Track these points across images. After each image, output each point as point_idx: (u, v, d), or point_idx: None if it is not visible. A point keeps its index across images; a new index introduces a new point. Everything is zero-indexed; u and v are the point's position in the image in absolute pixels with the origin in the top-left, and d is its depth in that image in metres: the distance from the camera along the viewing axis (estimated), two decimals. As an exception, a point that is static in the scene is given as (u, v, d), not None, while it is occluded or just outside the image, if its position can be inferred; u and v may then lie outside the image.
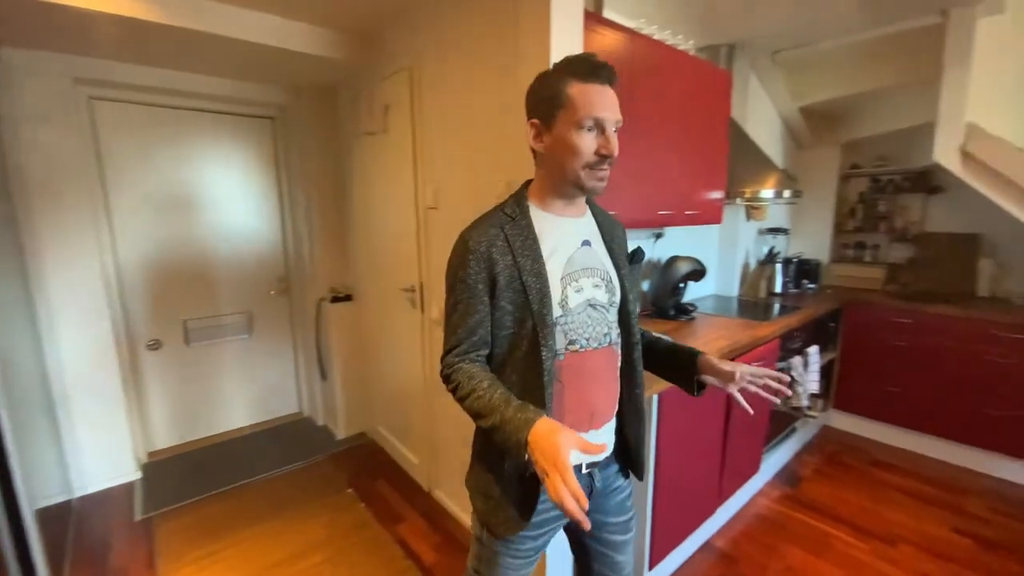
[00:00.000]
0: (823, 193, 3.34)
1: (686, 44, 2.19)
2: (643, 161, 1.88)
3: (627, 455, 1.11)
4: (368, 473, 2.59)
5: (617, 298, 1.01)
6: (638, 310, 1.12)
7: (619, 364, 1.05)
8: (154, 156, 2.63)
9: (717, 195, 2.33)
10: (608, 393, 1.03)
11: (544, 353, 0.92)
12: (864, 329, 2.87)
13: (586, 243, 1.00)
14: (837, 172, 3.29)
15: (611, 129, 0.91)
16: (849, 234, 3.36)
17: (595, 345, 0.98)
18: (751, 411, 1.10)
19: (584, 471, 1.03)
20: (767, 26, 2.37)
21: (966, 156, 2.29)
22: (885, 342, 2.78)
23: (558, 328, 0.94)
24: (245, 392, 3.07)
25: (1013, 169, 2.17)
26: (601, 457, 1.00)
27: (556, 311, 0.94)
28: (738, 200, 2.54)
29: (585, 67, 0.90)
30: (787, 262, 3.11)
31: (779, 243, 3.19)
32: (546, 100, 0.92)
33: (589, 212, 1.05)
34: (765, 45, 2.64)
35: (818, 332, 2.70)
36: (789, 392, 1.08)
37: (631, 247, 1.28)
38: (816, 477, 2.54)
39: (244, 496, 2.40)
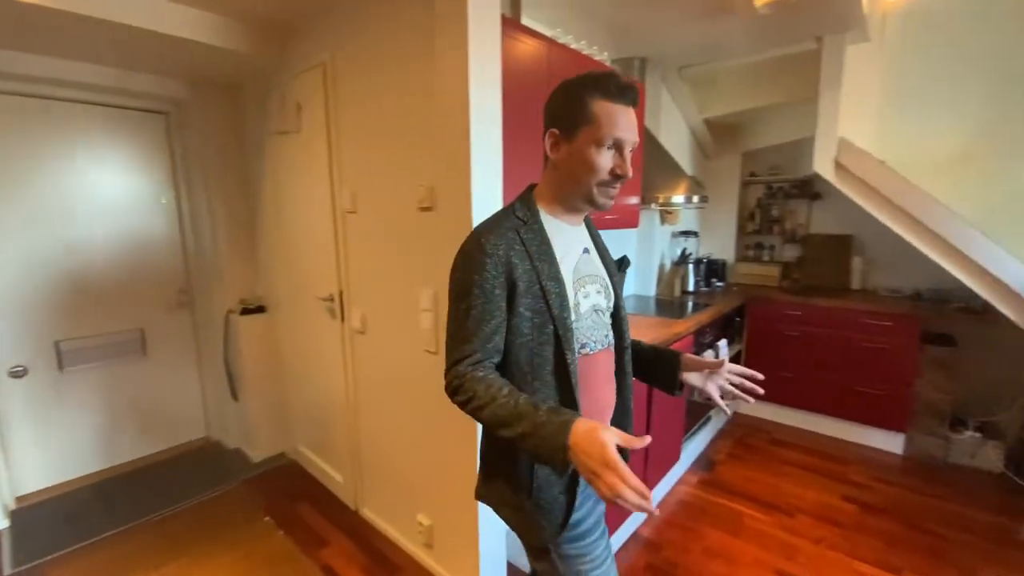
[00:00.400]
0: (727, 198, 3.64)
1: (601, 55, 2.28)
2: (564, 167, 1.93)
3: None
4: (288, 496, 2.41)
5: (612, 303, 1.05)
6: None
7: (615, 366, 1.07)
8: (19, 154, 2.27)
9: (634, 200, 2.45)
10: (610, 392, 1.06)
11: (568, 357, 0.92)
12: (764, 322, 3.16)
13: (586, 250, 1.02)
14: (739, 179, 3.60)
15: (628, 150, 0.92)
16: (750, 236, 3.69)
17: (599, 348, 1.01)
18: (729, 412, 1.16)
19: None
20: (674, 44, 2.54)
21: (839, 167, 2.60)
22: (781, 333, 3.09)
23: (573, 333, 0.95)
24: (138, 420, 2.73)
25: (875, 178, 2.50)
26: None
27: (569, 314, 0.94)
28: (653, 205, 2.69)
29: (613, 87, 0.90)
30: (698, 262, 3.35)
31: (691, 245, 3.43)
32: (570, 113, 0.92)
33: (583, 221, 1.06)
34: (673, 61, 2.83)
35: (726, 326, 2.94)
36: (762, 391, 1.11)
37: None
38: (728, 460, 2.75)
39: (140, 538, 2.13)
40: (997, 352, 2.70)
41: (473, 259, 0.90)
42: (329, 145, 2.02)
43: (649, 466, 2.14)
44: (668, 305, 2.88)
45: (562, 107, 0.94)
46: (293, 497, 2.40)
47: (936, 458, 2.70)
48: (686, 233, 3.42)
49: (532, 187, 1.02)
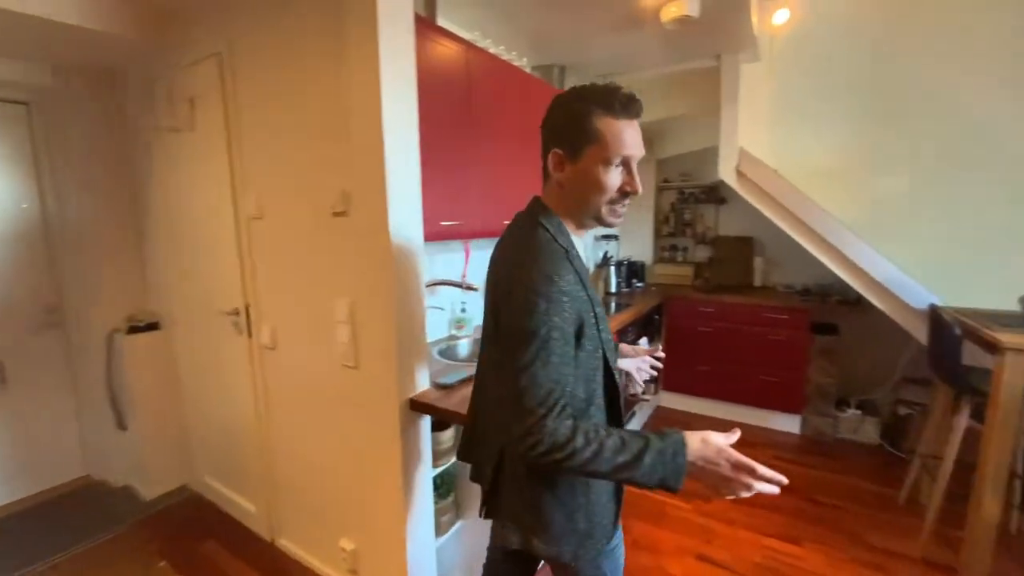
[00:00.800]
0: (644, 203, 3.83)
1: (521, 61, 2.30)
2: (487, 171, 1.91)
3: None
4: (191, 535, 2.16)
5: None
6: None
7: None
8: None
9: (557, 205, 2.50)
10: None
11: (617, 378, 0.93)
12: (681, 320, 3.36)
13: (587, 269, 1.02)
14: (654, 185, 3.81)
15: (635, 165, 0.90)
16: (665, 238, 3.92)
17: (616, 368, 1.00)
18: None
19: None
20: (592, 53, 2.63)
21: (740, 174, 2.83)
22: (696, 329, 3.30)
23: (607, 354, 0.94)
24: (-2, 462, 2.32)
25: (769, 185, 2.75)
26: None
27: (601, 332, 0.92)
28: (575, 209, 2.76)
29: (616, 102, 0.86)
30: (619, 265, 3.49)
31: (612, 248, 3.56)
32: (574, 132, 0.88)
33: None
34: (592, 69, 2.92)
35: (647, 325, 3.08)
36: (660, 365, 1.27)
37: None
38: (652, 453, 2.88)
39: (-3, 603, 1.79)
40: (871, 338, 3.08)
41: (552, 299, 0.82)
42: (229, 145, 1.84)
43: (578, 466, 2.17)
44: (593, 306, 2.96)
45: (564, 126, 0.90)
46: (197, 535, 2.15)
47: (826, 435, 3.02)
48: (608, 237, 3.55)
49: (542, 204, 0.97)
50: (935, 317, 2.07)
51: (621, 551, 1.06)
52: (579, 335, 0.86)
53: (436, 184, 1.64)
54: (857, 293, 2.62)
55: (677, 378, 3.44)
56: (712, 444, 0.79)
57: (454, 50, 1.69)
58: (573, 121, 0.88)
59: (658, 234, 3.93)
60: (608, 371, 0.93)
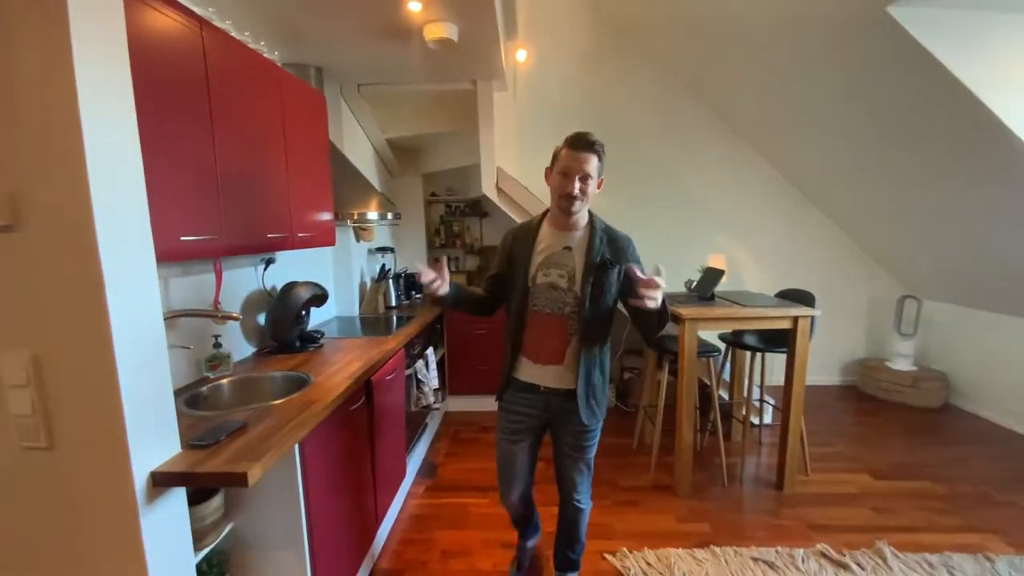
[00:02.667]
0: (415, 215, 3.89)
1: (272, 55, 2.03)
2: (244, 178, 1.61)
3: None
4: None
5: (577, 289, 1.52)
6: (607, 306, 1.55)
7: (571, 331, 1.55)
8: None
9: (328, 216, 2.30)
10: (555, 344, 1.56)
11: (520, 305, 1.57)
12: (459, 325, 3.52)
13: (567, 248, 1.55)
14: (423, 198, 3.90)
15: (575, 177, 1.46)
16: (438, 249, 4.06)
17: (549, 311, 1.55)
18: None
19: (541, 391, 1.61)
20: (351, 59, 2.51)
21: (499, 190, 3.17)
22: (473, 332, 3.52)
23: (528, 293, 1.55)
24: None
25: (523, 200, 3.16)
26: (552, 385, 1.59)
27: (528, 283, 1.55)
28: (348, 222, 2.60)
29: (571, 139, 1.49)
30: (397, 277, 3.44)
31: (388, 260, 3.49)
32: (553, 156, 1.54)
33: (584, 230, 1.57)
34: (352, 77, 2.80)
35: (431, 335, 3.12)
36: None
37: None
38: (448, 460, 2.93)
39: None
40: (603, 323, 3.87)
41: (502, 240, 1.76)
42: None
43: (379, 490, 2.04)
44: (375, 323, 2.83)
45: (553, 154, 1.54)
46: None
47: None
48: (383, 249, 3.46)
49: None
50: (643, 301, 2.74)
51: None
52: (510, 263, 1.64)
53: (172, 190, 1.30)
54: (593, 288, 3.25)
55: (462, 381, 3.60)
56: None
57: (186, 26, 1.37)
58: (555, 151, 1.53)
59: (431, 245, 4.05)
60: (521, 302, 1.58)
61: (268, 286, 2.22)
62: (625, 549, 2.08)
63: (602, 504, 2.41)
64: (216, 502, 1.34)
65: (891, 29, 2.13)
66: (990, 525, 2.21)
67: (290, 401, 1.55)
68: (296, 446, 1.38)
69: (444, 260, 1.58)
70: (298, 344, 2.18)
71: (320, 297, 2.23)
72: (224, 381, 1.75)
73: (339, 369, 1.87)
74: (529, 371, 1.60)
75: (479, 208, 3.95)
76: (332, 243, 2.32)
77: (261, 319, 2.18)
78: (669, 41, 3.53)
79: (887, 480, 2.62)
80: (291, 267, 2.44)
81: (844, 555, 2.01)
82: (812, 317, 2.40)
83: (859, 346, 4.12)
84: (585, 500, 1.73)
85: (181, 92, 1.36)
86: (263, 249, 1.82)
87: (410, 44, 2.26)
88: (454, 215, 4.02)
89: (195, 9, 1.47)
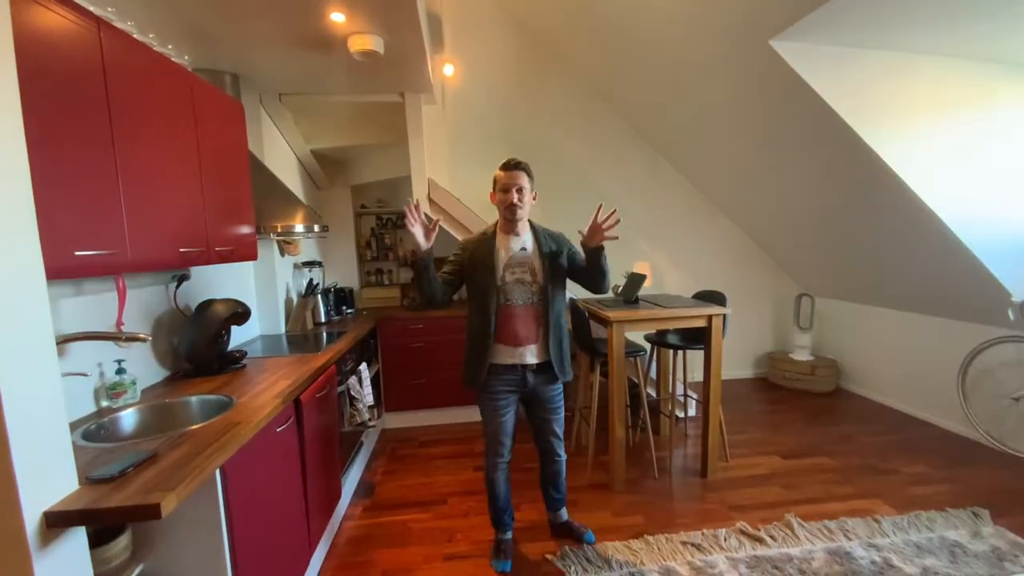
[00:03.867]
0: (344, 228, 3.78)
1: (181, 59, 1.92)
2: (147, 188, 1.50)
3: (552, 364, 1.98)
4: None
5: (540, 279, 1.91)
6: (561, 286, 2.01)
7: (540, 314, 1.93)
8: None
9: (249, 230, 2.18)
10: (528, 329, 1.92)
11: (490, 303, 1.89)
12: (394, 339, 3.46)
13: (523, 249, 1.93)
14: (352, 210, 3.81)
15: (512, 190, 1.87)
16: (370, 262, 3.97)
17: (520, 302, 1.90)
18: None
19: (518, 369, 1.95)
20: (270, 67, 2.42)
21: (432, 201, 3.18)
22: (409, 346, 3.47)
23: (499, 291, 1.89)
24: None
25: (456, 212, 3.19)
26: (529, 362, 1.94)
27: (497, 283, 1.88)
28: (271, 235, 2.48)
29: (504, 164, 1.91)
30: (326, 292, 3.32)
31: (316, 275, 3.36)
32: (493, 181, 1.93)
33: (529, 233, 1.97)
34: (273, 85, 2.70)
35: (364, 350, 3.04)
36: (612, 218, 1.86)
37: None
38: (385, 478, 2.85)
39: None
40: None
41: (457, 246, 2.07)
42: None
43: (312, 515, 1.94)
44: (303, 340, 2.71)
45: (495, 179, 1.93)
46: None
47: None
48: (310, 264, 3.32)
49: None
50: (573, 307, 2.86)
51: None
52: (469, 269, 1.97)
53: (65, 199, 1.19)
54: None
55: (397, 397, 3.52)
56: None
57: (76, 23, 1.26)
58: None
59: (362, 259, 3.94)
60: (485, 300, 1.93)
61: (182, 304, 2.07)
62: (566, 548, 2.13)
63: (540, 506, 2.45)
64: (123, 541, 1.22)
65: (773, 59, 2.43)
66: (877, 491, 2.52)
67: (210, 425, 1.45)
68: (218, 472, 1.29)
69: (418, 204, 1.85)
70: (218, 366, 2.03)
71: (241, 315, 2.10)
72: (131, 409, 1.60)
73: (265, 389, 1.78)
74: (508, 354, 1.93)
75: (411, 220, 3.91)
76: (254, 257, 2.21)
77: (175, 341, 2.02)
78: (588, 56, 3.74)
79: (793, 459, 2.91)
80: (209, 284, 2.28)
81: (759, 530, 2.20)
82: (724, 316, 2.63)
83: (767, 341, 4.54)
84: (562, 452, 2.18)
85: (75, 95, 1.25)
86: (175, 265, 1.69)
87: (334, 55, 2.22)
88: (385, 227, 3.95)
89: (91, 8, 1.36)
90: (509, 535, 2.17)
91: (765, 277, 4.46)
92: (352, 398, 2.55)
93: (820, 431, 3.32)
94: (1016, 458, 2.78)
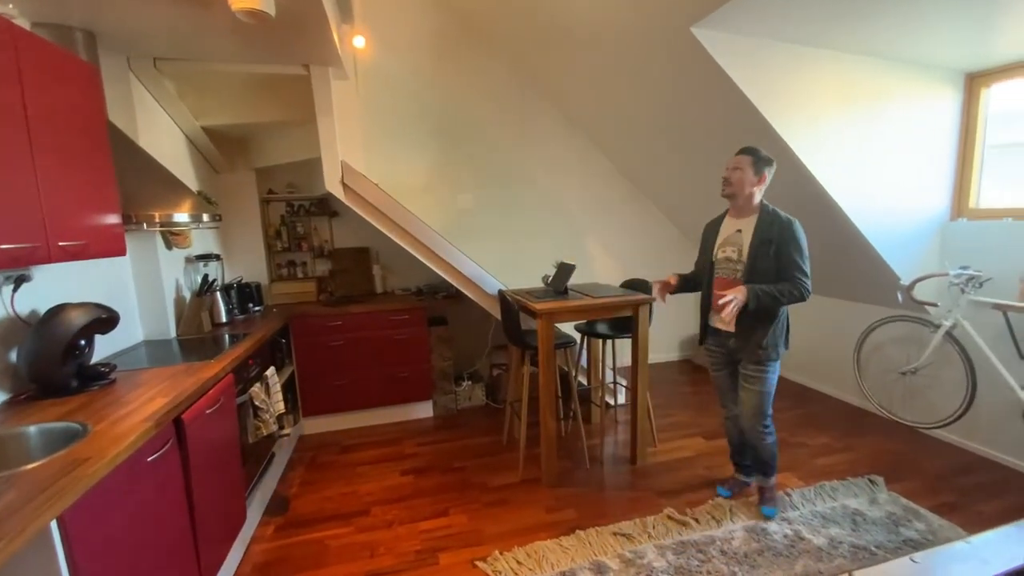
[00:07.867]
0: (248, 216, 3.39)
1: (6, 9, 1.53)
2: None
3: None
4: None
5: (744, 258, 2.09)
6: (763, 266, 2.05)
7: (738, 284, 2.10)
8: None
9: (113, 219, 1.83)
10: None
11: (710, 273, 2.23)
12: (309, 338, 3.17)
13: (739, 231, 2.14)
14: (257, 196, 3.42)
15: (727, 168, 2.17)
16: (280, 254, 3.60)
17: (725, 275, 2.16)
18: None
19: (722, 333, 2.21)
20: (132, 24, 2.02)
21: (346, 187, 2.90)
22: (327, 345, 3.19)
23: (714, 266, 2.21)
24: None
25: (373, 197, 2.94)
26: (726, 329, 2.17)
27: (712, 258, 2.23)
28: (146, 225, 2.13)
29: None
30: (227, 289, 2.96)
31: (213, 270, 2.98)
32: None
33: (756, 216, 2.10)
34: (141, 47, 2.28)
35: (273, 352, 2.74)
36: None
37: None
38: (303, 490, 2.61)
39: None
40: (470, 321, 3.82)
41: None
42: None
43: (204, 547, 1.69)
44: (198, 345, 2.37)
45: None
46: None
47: (451, 409, 3.56)
48: (205, 257, 2.93)
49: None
50: (503, 298, 2.74)
51: None
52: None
53: None
54: (455, 287, 3.17)
55: (315, 400, 3.25)
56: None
57: None
58: None
59: (271, 250, 3.57)
60: (710, 272, 2.25)
61: (25, 311, 1.69)
62: (496, 552, 2.04)
63: (471, 508, 2.36)
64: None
65: (693, 45, 2.42)
66: (787, 465, 2.67)
67: (49, 463, 1.17)
68: (54, 524, 1.04)
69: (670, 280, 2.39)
70: (77, 384, 1.70)
71: (105, 321, 1.76)
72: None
73: (134, 410, 1.50)
74: (715, 319, 2.22)
75: (327, 207, 3.59)
76: (121, 252, 1.86)
77: (12, 357, 1.66)
78: (512, 35, 3.59)
79: (714, 440, 3.02)
80: (63, 285, 1.90)
81: (686, 514, 2.25)
82: (650, 304, 2.64)
83: (692, 324, 4.72)
84: (765, 428, 2.19)
85: None
86: (1, 265, 1.35)
87: (213, 13, 1.90)
88: (298, 215, 3.60)
89: None
90: (744, 477, 2.44)
91: (688, 263, 4.59)
92: (256, 408, 2.27)
93: (738, 409, 3.49)
94: (903, 426, 3.08)
